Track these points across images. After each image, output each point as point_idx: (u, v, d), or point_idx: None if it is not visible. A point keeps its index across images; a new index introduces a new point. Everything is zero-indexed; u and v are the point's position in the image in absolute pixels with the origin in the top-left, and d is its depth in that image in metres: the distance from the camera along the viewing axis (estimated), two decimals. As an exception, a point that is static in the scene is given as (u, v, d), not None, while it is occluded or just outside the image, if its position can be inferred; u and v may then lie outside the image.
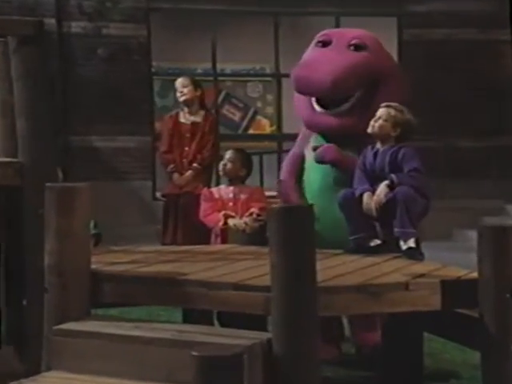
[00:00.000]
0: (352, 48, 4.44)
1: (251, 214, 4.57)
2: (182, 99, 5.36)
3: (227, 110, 10.85)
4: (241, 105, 10.93)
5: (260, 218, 4.53)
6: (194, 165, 5.28)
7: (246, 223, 4.52)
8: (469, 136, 9.97)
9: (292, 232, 2.95)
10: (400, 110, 4.07)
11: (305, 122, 4.51)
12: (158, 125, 9.63)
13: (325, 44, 4.49)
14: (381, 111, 4.08)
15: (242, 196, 4.75)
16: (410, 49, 10.05)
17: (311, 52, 4.52)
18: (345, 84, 4.27)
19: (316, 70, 4.27)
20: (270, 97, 10.78)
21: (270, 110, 10.80)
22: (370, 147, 4.10)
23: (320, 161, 4.31)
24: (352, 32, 4.61)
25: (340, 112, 4.34)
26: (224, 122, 10.44)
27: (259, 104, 10.89)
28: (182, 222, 5.15)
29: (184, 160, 5.32)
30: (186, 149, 5.31)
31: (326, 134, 4.40)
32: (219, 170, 4.84)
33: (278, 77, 10.17)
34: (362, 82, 4.33)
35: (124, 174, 9.76)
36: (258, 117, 10.92)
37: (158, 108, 10.13)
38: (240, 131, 10.85)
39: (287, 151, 4.82)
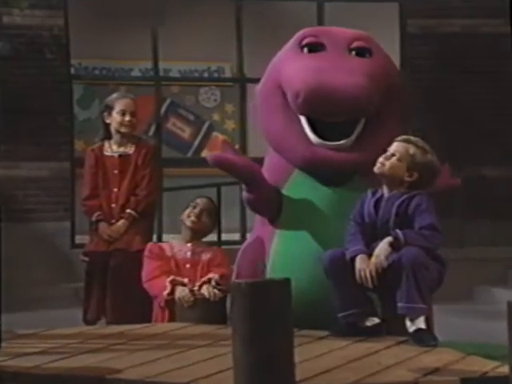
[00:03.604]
0: (354, 53, 4.53)
1: (209, 281, 4.58)
2: (123, 130, 5.35)
3: (173, 125, 10.89)
4: (191, 117, 10.98)
5: (220, 287, 4.55)
6: (128, 211, 5.27)
7: (203, 293, 4.54)
8: (496, 162, 10.10)
9: (261, 315, 2.97)
10: (421, 147, 4.09)
11: (294, 156, 4.43)
12: (79, 144, 9.64)
13: (313, 48, 4.52)
14: (396, 146, 4.09)
15: (204, 257, 4.78)
16: (417, 45, 10.21)
17: (302, 59, 4.49)
18: (372, 98, 4.32)
19: (343, 84, 4.27)
20: (230, 107, 10.85)
21: (230, 124, 10.87)
22: (369, 192, 4.13)
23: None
24: (347, 32, 4.66)
25: (344, 146, 4.37)
26: (169, 141, 10.49)
27: (216, 117, 10.96)
28: (112, 291, 5.09)
29: (113, 205, 5.30)
30: (115, 190, 5.29)
31: (320, 173, 4.40)
32: (187, 218, 4.82)
33: (242, 81, 10.23)
34: (380, 94, 4.39)
35: (32, 212, 9.71)
36: (215, 133, 10.98)
37: (78, 122, 10.14)
38: (190, 153, 10.89)
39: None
